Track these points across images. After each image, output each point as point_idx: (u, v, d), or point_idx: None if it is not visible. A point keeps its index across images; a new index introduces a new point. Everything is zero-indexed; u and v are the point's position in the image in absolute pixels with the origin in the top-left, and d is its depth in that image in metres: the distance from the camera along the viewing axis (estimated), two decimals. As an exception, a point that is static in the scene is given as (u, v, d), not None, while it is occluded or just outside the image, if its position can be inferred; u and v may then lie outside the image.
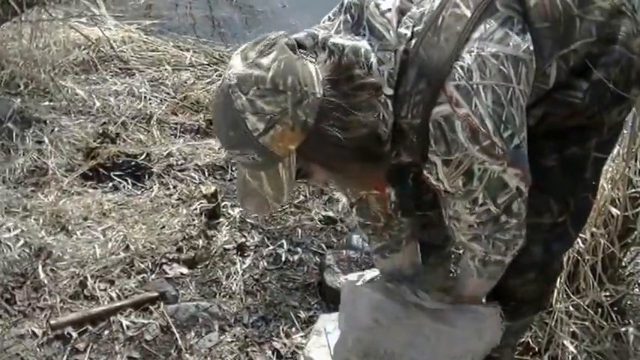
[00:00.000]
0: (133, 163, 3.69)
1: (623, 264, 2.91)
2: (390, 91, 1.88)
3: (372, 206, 2.34)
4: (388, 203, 2.32)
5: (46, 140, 3.80)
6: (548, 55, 1.97)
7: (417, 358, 2.34)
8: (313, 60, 1.82)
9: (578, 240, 2.79)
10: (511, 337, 2.54)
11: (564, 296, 2.79)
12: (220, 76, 4.43)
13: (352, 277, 2.55)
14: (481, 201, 1.99)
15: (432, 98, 1.84)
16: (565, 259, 2.79)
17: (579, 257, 2.80)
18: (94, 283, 3.00)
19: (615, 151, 2.85)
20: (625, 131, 2.74)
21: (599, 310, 2.78)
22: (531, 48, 1.91)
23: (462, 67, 1.83)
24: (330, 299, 2.97)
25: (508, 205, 2.00)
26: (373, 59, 1.87)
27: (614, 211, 2.73)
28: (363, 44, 1.88)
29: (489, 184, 1.96)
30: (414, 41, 1.88)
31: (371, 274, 2.52)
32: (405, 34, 1.88)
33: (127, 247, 3.17)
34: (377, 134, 1.87)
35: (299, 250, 3.25)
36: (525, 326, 2.61)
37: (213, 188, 3.43)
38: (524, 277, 2.33)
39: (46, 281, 3.00)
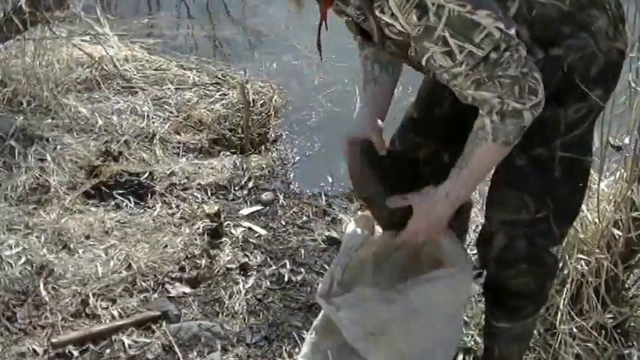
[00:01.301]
0: (135, 181, 3.68)
1: (627, 286, 2.91)
2: None
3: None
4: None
5: (49, 158, 3.80)
6: None
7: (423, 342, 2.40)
8: None
9: (582, 262, 2.80)
10: (514, 344, 2.56)
11: (568, 318, 2.79)
12: (224, 95, 4.45)
13: (323, 293, 2.44)
14: (452, 42, 1.95)
15: None
16: (569, 281, 2.80)
17: (582, 279, 2.80)
18: (96, 301, 2.99)
19: (618, 173, 2.87)
20: (627, 154, 2.76)
21: (603, 332, 2.78)
22: None
23: None
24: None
25: (492, 43, 1.95)
26: None
27: (617, 232, 2.74)
28: None
29: (452, 22, 1.93)
30: None
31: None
32: None
33: (130, 265, 3.16)
34: None
35: (302, 270, 3.24)
36: (527, 332, 2.58)
37: (216, 207, 3.42)
38: (517, 268, 2.36)
39: (47, 299, 2.98)
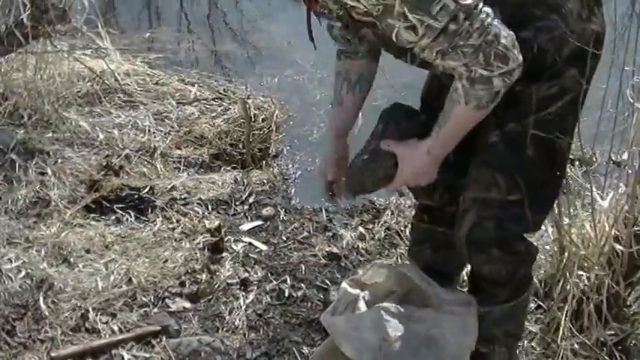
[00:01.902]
0: (136, 196, 3.68)
1: (628, 303, 2.91)
2: None
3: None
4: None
5: (49, 172, 3.80)
6: None
7: None
8: None
9: (583, 278, 2.80)
10: (495, 328, 2.56)
11: (569, 334, 2.79)
12: (225, 110, 4.45)
13: (327, 314, 2.56)
14: (412, 16, 2.02)
15: None
16: (570, 298, 2.80)
17: (583, 296, 2.80)
18: (96, 315, 2.98)
19: (619, 190, 2.88)
20: (629, 171, 2.76)
21: (604, 348, 2.78)
22: None
23: None
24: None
25: (448, 14, 2.01)
26: None
27: (619, 247, 2.73)
28: None
29: None
30: None
31: (343, 299, 2.57)
32: None
33: (130, 280, 3.15)
34: None
35: (303, 285, 3.23)
36: (507, 316, 2.57)
37: (216, 223, 3.42)
38: (487, 253, 2.39)
39: (47, 313, 2.97)
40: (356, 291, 2.58)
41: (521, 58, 2.10)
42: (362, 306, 2.52)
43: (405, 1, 2.00)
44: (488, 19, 2.04)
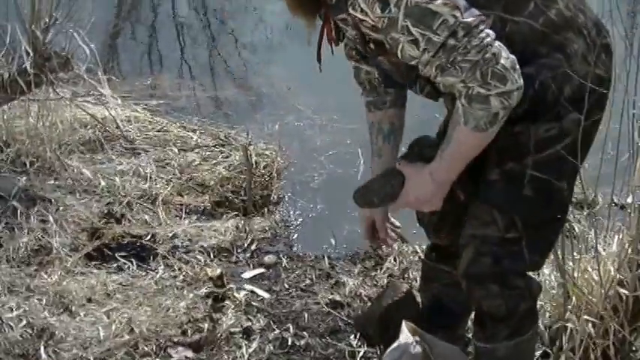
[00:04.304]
0: (138, 243, 3.67)
1: (634, 348, 2.88)
2: None
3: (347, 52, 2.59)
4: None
5: (51, 219, 3.79)
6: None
7: None
8: None
9: (588, 323, 2.78)
10: None
11: (577, 380, 2.77)
12: (226, 157, 4.45)
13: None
14: (414, 30, 2.11)
15: None
16: (577, 343, 2.78)
17: (589, 341, 2.78)
18: (98, 365, 2.96)
19: (624, 232, 2.87)
20: (632, 214, 2.76)
21: (613, 394, 2.75)
22: None
23: None
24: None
25: (450, 30, 2.10)
26: None
27: (623, 292, 2.72)
28: None
29: (411, 12, 2.11)
30: None
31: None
32: None
33: (132, 329, 3.12)
34: None
35: (305, 334, 3.19)
36: (512, 355, 2.55)
37: (218, 271, 3.39)
38: (485, 288, 2.41)
39: (48, 363, 2.96)
40: None
41: (521, 81, 2.13)
42: None
43: (409, 14, 2.11)
44: (488, 39, 2.10)
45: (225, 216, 4.02)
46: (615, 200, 3.24)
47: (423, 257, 2.93)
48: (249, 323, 3.23)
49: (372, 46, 2.33)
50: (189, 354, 3.07)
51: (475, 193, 2.41)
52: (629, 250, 2.69)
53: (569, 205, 2.50)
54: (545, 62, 2.25)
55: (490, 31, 2.12)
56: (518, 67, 2.13)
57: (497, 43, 2.11)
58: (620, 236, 2.91)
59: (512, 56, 2.13)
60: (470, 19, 2.10)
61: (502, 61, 2.10)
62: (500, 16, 2.21)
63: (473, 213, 2.42)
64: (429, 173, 2.35)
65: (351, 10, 2.21)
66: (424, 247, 3.26)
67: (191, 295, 3.33)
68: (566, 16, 2.29)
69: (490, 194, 2.37)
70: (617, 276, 2.74)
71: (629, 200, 2.94)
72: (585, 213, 3.67)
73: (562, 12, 2.29)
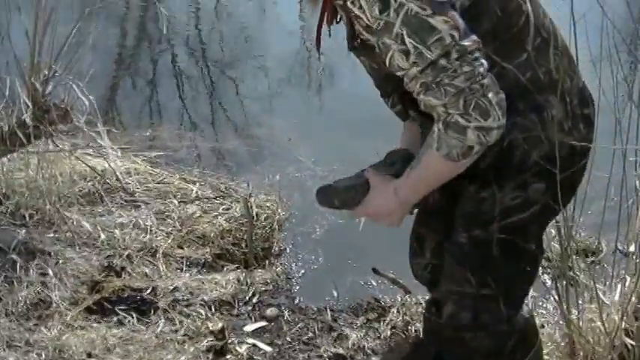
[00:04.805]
0: (138, 297, 3.64)
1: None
2: None
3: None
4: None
5: (50, 272, 3.76)
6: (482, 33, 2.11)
7: None
8: None
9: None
10: None
11: None
12: (227, 209, 4.43)
13: None
14: (408, 41, 2.03)
15: None
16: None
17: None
18: (98, 422, 2.92)
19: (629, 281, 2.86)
20: (637, 261, 2.74)
21: None
22: None
23: None
24: None
25: (444, 49, 2.03)
26: None
27: (629, 341, 2.71)
28: None
29: (409, 21, 2.02)
30: None
31: None
32: None
33: (132, 384, 3.10)
34: None
35: (308, 388, 3.18)
36: None
37: (220, 324, 3.37)
38: (469, 336, 2.45)
39: (47, 420, 2.92)
40: None
41: (504, 121, 2.08)
42: None
43: (406, 23, 2.03)
44: (481, 69, 2.05)
45: (226, 268, 3.99)
46: (619, 247, 3.24)
47: (424, 312, 2.89)
48: (252, 377, 3.20)
49: (358, 41, 2.25)
50: (191, 409, 3.03)
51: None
52: (633, 299, 2.68)
53: (539, 257, 2.49)
54: (518, 122, 2.21)
55: (485, 62, 2.06)
56: (505, 105, 2.08)
57: (489, 76, 2.06)
58: (625, 284, 2.90)
59: (502, 94, 2.08)
60: (467, 43, 2.03)
61: (489, 95, 2.04)
62: (490, 57, 2.15)
63: (446, 271, 2.45)
64: (394, 189, 2.32)
65: (349, 4, 2.12)
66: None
67: (192, 349, 3.30)
68: (553, 78, 2.26)
69: (461, 256, 2.39)
70: (623, 325, 2.72)
71: (632, 249, 2.93)
72: (589, 261, 3.66)
73: (551, 73, 2.26)
